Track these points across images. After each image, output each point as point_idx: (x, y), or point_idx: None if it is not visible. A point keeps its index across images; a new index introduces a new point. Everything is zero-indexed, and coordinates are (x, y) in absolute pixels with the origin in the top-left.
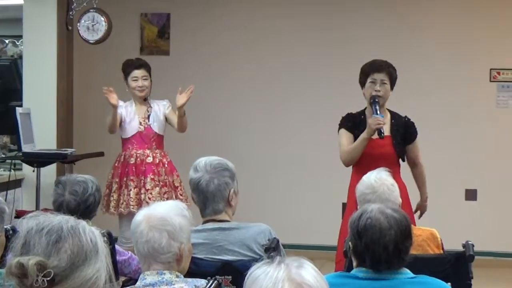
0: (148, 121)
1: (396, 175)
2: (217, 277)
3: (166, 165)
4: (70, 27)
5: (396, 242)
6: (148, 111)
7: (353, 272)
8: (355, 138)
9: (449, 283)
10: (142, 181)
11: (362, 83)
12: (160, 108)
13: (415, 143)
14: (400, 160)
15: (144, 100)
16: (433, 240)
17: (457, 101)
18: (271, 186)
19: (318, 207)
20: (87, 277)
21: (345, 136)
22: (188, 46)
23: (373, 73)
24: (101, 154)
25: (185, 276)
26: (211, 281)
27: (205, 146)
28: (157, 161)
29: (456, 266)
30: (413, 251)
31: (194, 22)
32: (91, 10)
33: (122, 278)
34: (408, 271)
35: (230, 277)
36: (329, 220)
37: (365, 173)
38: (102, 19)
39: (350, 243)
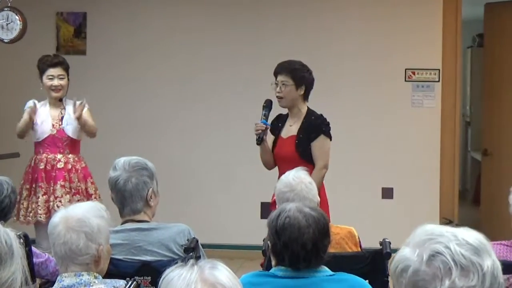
0: (61, 123)
1: None
2: (136, 277)
3: (79, 171)
4: None
5: (315, 241)
6: (61, 113)
7: (272, 270)
8: (275, 139)
9: (367, 280)
10: (52, 187)
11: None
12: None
13: (316, 143)
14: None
15: (59, 101)
16: (351, 238)
17: (373, 100)
18: (189, 186)
19: (236, 206)
20: (2, 280)
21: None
22: (105, 46)
23: (276, 75)
24: (16, 155)
25: (103, 277)
26: (130, 282)
27: (123, 146)
28: (70, 167)
29: (374, 263)
30: (332, 249)
31: (110, 21)
32: (5, 9)
33: (39, 281)
34: (327, 269)
35: (149, 277)
36: (247, 219)
37: (282, 172)
38: (17, 17)
39: (268, 242)
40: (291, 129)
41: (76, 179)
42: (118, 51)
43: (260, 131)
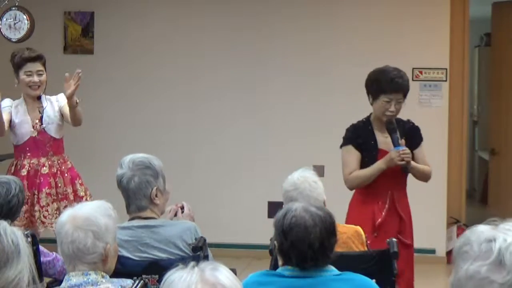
0: (41, 123)
1: (402, 191)
2: (144, 276)
3: (66, 174)
4: None
5: (321, 240)
6: (40, 112)
7: (279, 270)
8: (362, 155)
9: (374, 280)
10: (36, 196)
11: (373, 94)
12: (54, 105)
13: (421, 148)
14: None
15: (38, 99)
16: (358, 237)
17: None
18: (196, 185)
19: (244, 205)
20: (9, 279)
21: (352, 155)
22: (113, 45)
23: (391, 93)
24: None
25: (111, 276)
26: (137, 281)
27: (130, 145)
28: (54, 170)
29: (381, 263)
30: (338, 249)
31: (118, 20)
32: (13, 8)
33: (47, 279)
34: (334, 268)
35: (156, 276)
36: (255, 219)
37: (370, 189)
38: (25, 17)
39: (275, 242)
40: (388, 140)
41: (62, 183)
42: (126, 51)
43: (405, 160)
